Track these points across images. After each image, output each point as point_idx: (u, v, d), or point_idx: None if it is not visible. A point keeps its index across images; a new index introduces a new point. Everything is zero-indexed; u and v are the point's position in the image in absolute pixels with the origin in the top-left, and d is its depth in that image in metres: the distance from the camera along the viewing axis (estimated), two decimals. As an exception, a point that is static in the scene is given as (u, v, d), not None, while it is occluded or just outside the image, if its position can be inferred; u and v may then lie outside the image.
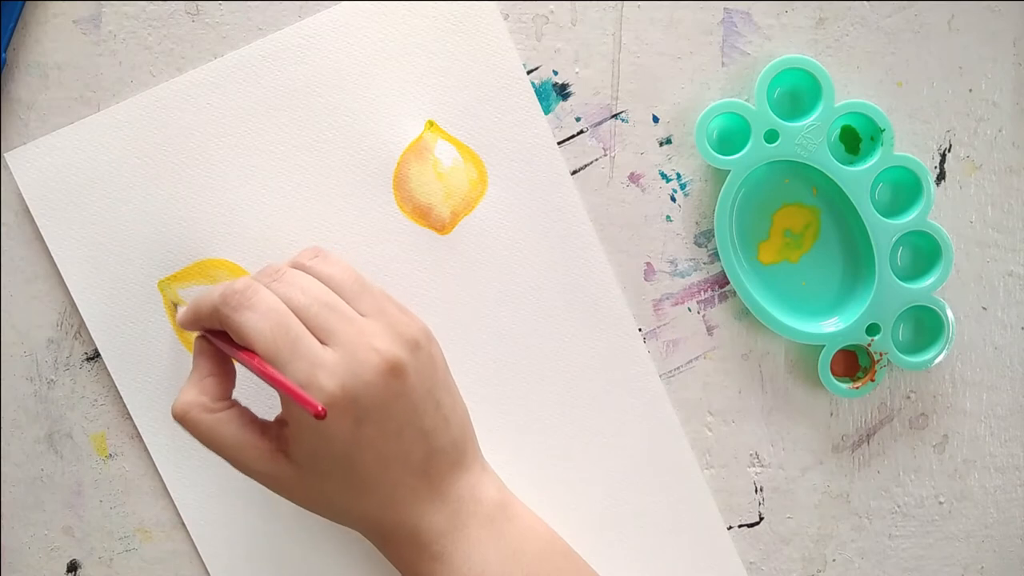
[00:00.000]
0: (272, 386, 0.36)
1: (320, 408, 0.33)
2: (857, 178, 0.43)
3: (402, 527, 0.38)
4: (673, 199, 0.44)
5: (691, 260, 0.45)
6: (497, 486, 0.40)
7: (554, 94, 0.44)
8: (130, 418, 0.44)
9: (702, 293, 0.45)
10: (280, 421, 0.38)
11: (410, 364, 0.37)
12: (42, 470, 0.44)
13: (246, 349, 0.36)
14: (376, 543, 0.39)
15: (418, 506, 0.38)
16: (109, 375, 0.44)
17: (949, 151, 0.45)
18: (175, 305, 0.43)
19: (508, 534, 0.39)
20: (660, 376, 0.45)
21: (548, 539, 0.40)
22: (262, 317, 0.36)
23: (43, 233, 0.43)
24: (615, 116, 0.44)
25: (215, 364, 0.39)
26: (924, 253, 0.44)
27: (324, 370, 0.35)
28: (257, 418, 0.39)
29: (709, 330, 0.45)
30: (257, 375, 0.36)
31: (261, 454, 0.37)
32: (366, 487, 0.37)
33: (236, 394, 0.40)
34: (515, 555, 0.38)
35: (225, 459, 0.38)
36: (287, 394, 0.35)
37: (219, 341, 0.38)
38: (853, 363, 0.45)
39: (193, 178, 0.43)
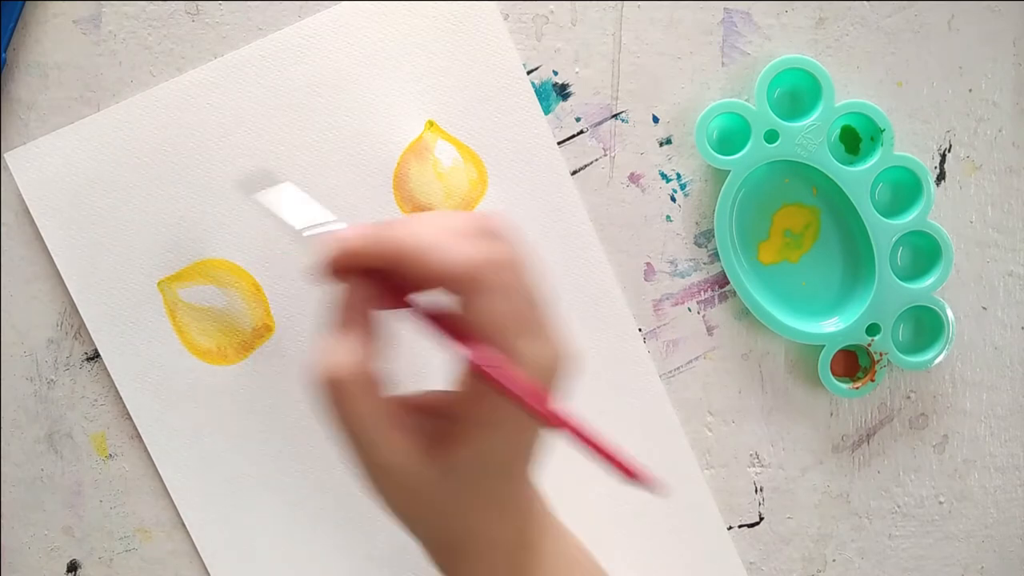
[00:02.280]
0: (484, 377, 0.29)
1: (562, 420, 0.28)
2: (857, 178, 0.43)
3: (489, 543, 0.33)
4: (673, 199, 0.44)
5: (691, 260, 0.45)
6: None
7: (554, 94, 0.44)
8: (130, 418, 0.44)
9: (702, 293, 0.45)
10: (442, 415, 0.32)
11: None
12: (42, 470, 0.44)
13: (452, 329, 0.30)
14: (446, 559, 0.34)
15: (510, 521, 0.34)
16: (109, 375, 0.44)
17: (949, 151, 0.45)
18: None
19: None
20: (660, 376, 0.45)
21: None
22: (504, 299, 0.29)
23: (43, 233, 0.43)
24: (615, 116, 0.44)
25: (372, 325, 0.31)
26: (924, 253, 0.44)
27: (542, 370, 0.29)
28: (407, 401, 0.32)
29: (709, 330, 0.45)
30: (470, 363, 0.29)
31: (406, 450, 0.31)
32: (507, 505, 0.33)
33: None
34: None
35: (351, 446, 0.31)
36: (517, 400, 0.28)
37: (423, 315, 0.30)
38: (853, 363, 0.45)
39: (193, 178, 0.43)
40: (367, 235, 0.30)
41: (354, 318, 0.30)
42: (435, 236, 0.29)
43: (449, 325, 0.30)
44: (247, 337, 0.44)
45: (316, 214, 0.31)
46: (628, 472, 0.28)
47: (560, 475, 0.45)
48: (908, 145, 0.45)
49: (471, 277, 0.28)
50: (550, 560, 0.35)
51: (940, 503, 0.46)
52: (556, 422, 0.28)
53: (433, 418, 0.32)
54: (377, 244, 0.30)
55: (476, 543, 0.33)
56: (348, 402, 0.30)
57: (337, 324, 0.31)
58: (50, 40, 0.43)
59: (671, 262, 0.45)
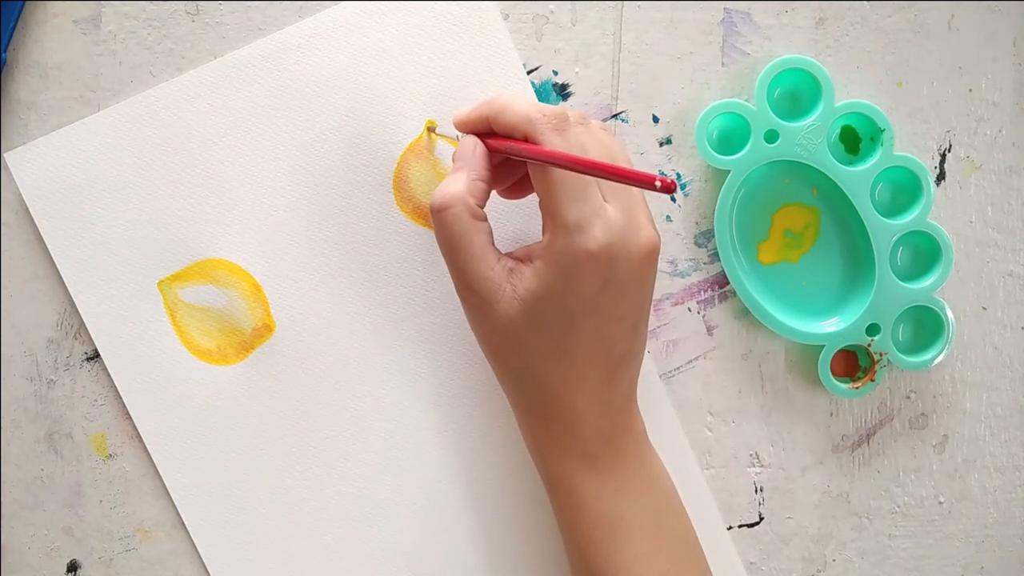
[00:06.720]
0: (591, 173, 0.35)
1: (670, 183, 0.32)
2: (857, 178, 0.43)
3: (568, 410, 0.38)
4: (673, 199, 0.44)
5: (691, 260, 0.45)
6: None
7: (554, 94, 0.44)
8: (130, 418, 0.44)
9: (702, 293, 0.45)
10: (520, 257, 0.38)
11: (656, 260, 0.38)
12: (42, 470, 0.44)
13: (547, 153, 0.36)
14: (529, 423, 0.39)
15: (593, 395, 0.38)
16: (109, 375, 0.44)
17: (949, 151, 0.45)
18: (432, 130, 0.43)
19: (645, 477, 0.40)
20: (660, 376, 0.45)
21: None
22: (569, 148, 0.36)
23: (43, 233, 0.43)
24: (615, 116, 0.44)
25: (486, 171, 0.38)
26: (924, 253, 0.44)
27: (601, 220, 0.36)
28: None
29: (709, 330, 0.45)
30: (576, 168, 0.35)
31: (496, 276, 0.37)
32: (567, 354, 0.37)
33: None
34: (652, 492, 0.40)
35: (457, 267, 0.38)
36: (624, 177, 0.33)
37: (519, 144, 0.37)
38: (853, 363, 0.45)
39: (193, 178, 0.43)
40: (473, 108, 0.39)
41: (473, 163, 0.38)
42: (512, 98, 0.38)
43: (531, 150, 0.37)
44: (247, 337, 0.44)
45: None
46: (643, 179, 0.33)
47: (560, 475, 0.45)
48: (908, 145, 0.45)
49: (531, 120, 0.36)
50: (637, 472, 0.39)
51: (940, 503, 0.46)
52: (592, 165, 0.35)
53: (516, 260, 0.38)
54: (477, 110, 0.39)
55: (557, 406, 0.38)
56: (452, 227, 0.37)
57: (455, 168, 0.38)
58: (50, 40, 0.43)
59: (671, 262, 0.45)
